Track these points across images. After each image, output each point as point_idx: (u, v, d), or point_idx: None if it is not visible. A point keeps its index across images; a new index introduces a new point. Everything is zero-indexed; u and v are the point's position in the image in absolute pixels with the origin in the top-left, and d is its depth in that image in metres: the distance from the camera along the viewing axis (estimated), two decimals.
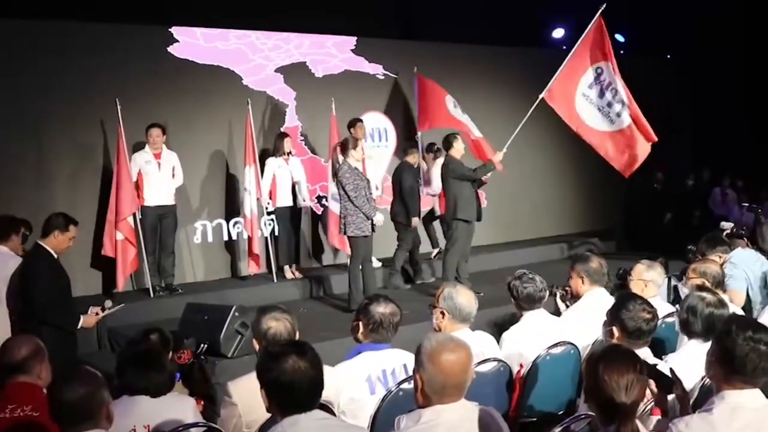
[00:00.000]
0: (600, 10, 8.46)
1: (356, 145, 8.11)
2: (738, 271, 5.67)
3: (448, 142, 8.74)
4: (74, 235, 5.81)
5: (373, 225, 8.05)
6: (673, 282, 6.22)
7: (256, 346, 3.67)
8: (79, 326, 5.73)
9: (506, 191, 11.98)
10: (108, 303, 6.00)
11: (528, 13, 12.45)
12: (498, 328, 6.17)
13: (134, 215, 8.27)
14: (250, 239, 9.12)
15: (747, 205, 12.09)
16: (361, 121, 9.70)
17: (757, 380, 2.98)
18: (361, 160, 8.25)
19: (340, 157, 8.23)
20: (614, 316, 3.83)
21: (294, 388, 2.74)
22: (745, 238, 6.99)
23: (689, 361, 3.88)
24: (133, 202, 8.20)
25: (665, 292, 6.21)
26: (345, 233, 8.06)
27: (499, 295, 6.62)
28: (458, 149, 8.70)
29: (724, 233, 7.58)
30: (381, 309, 3.95)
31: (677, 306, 4.47)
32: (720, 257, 5.91)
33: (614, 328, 3.80)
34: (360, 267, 8.13)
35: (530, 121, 10.36)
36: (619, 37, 14.69)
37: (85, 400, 2.89)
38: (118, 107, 8.22)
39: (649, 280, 5.15)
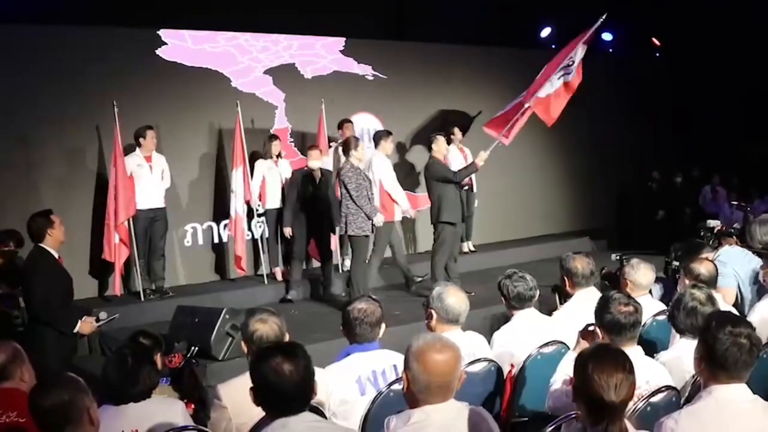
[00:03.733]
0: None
1: (357, 145, 8.09)
2: (727, 269, 5.66)
3: (429, 141, 8.72)
4: (60, 219, 5.80)
5: (373, 226, 8.04)
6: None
7: (245, 349, 3.66)
8: (75, 330, 5.73)
9: (498, 190, 11.97)
10: (103, 314, 5.99)
11: (515, 13, 12.48)
12: (490, 328, 6.17)
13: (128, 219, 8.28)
14: (234, 241, 9.10)
15: (736, 203, 12.13)
16: (350, 121, 9.72)
17: (741, 374, 3.00)
18: (363, 159, 8.23)
19: (342, 157, 8.24)
20: (595, 315, 3.84)
21: (277, 389, 2.73)
22: (734, 236, 7.00)
23: (680, 359, 3.90)
24: (131, 205, 8.21)
25: (661, 291, 6.22)
26: (346, 232, 8.05)
27: (490, 294, 6.63)
28: (440, 150, 8.66)
29: (715, 230, 7.59)
30: (356, 307, 3.96)
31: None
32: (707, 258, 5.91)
33: (598, 328, 3.81)
34: (360, 266, 8.12)
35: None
36: (607, 36, 14.75)
37: (65, 405, 2.88)
38: (115, 110, 8.19)
39: (631, 280, 5.14)
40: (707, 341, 3.04)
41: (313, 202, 8.63)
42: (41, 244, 5.70)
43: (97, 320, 5.91)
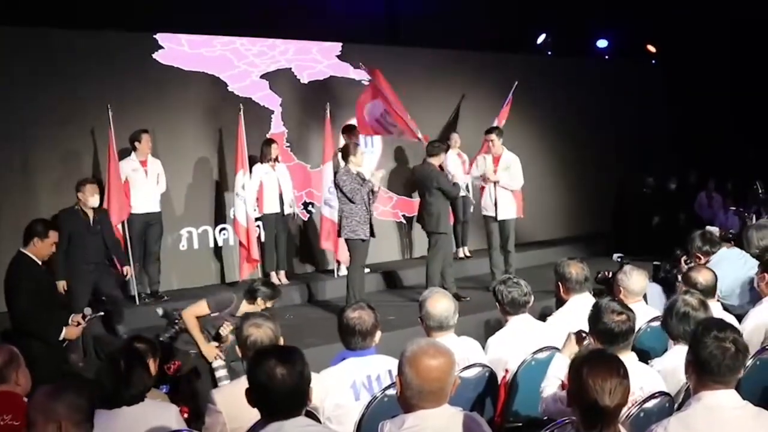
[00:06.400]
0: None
1: (356, 150, 8.11)
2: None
3: (433, 149, 8.67)
4: (55, 240, 5.78)
5: (372, 230, 8.04)
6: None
7: (239, 353, 3.67)
8: (61, 337, 5.67)
9: None
10: (87, 310, 5.94)
11: (511, 20, 12.52)
12: (484, 333, 6.19)
13: (123, 222, 8.25)
14: (243, 245, 8.98)
15: (734, 209, 12.16)
16: (354, 126, 9.72)
17: (727, 379, 3.01)
18: (361, 165, 8.23)
19: (341, 162, 8.26)
20: (589, 322, 3.85)
21: (269, 392, 2.74)
22: (732, 242, 7.01)
23: (674, 365, 3.90)
24: (123, 209, 8.19)
25: (660, 297, 6.22)
26: (340, 235, 8.09)
27: (485, 300, 6.64)
28: (440, 158, 8.70)
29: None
30: (349, 315, 3.97)
31: None
32: (699, 258, 5.92)
33: (591, 336, 3.82)
34: (357, 271, 8.13)
35: (517, 126, 10.47)
36: (602, 42, 14.80)
37: None
38: (110, 113, 8.18)
39: (624, 287, 5.14)
40: (694, 347, 3.07)
41: (89, 251, 7.33)
42: (25, 250, 5.66)
43: (84, 317, 5.84)
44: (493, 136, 9.14)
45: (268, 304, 5.72)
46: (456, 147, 10.69)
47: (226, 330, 5.52)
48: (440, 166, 8.78)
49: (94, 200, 7.32)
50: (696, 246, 6.06)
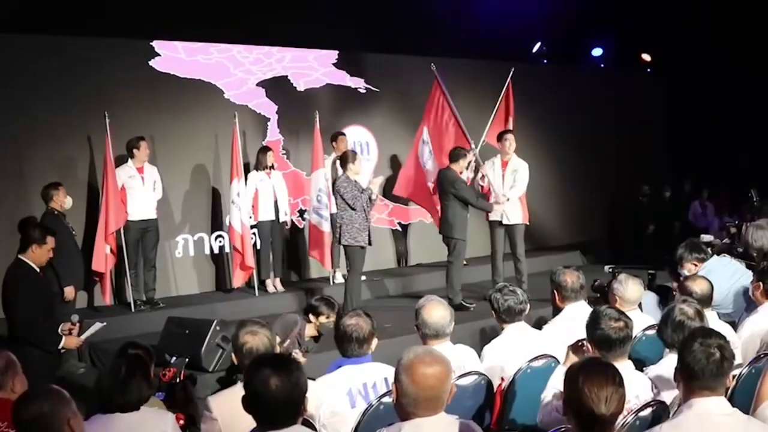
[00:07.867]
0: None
1: (355, 158, 8.13)
2: None
3: (455, 154, 8.66)
4: (52, 245, 5.75)
5: (370, 238, 8.05)
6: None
7: (235, 361, 3.67)
8: (60, 346, 5.65)
9: None
10: (75, 317, 5.89)
11: (508, 28, 12.55)
12: (480, 341, 6.19)
13: (119, 230, 8.25)
14: (238, 252, 8.90)
15: (729, 223, 12.19)
16: (343, 134, 9.73)
17: (713, 385, 3.03)
18: (359, 173, 8.24)
19: (339, 170, 8.27)
20: (586, 330, 3.87)
21: (262, 400, 2.74)
22: (735, 250, 7.02)
23: (669, 373, 3.91)
24: (121, 216, 8.18)
25: (655, 306, 6.23)
26: (340, 242, 8.09)
27: (481, 308, 6.64)
28: (461, 166, 8.68)
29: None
30: (346, 322, 3.98)
31: None
32: (695, 265, 5.94)
33: (588, 343, 3.84)
34: (355, 278, 8.15)
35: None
36: (597, 51, 14.84)
37: (44, 416, 2.84)
38: (107, 120, 8.16)
39: (620, 296, 5.16)
40: (681, 353, 3.12)
41: (74, 252, 7.44)
42: (22, 257, 5.65)
43: (74, 324, 5.79)
44: (511, 137, 9.12)
45: (332, 318, 5.66)
46: None
47: (298, 357, 5.46)
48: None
49: (69, 202, 7.41)
50: (685, 256, 6.08)
